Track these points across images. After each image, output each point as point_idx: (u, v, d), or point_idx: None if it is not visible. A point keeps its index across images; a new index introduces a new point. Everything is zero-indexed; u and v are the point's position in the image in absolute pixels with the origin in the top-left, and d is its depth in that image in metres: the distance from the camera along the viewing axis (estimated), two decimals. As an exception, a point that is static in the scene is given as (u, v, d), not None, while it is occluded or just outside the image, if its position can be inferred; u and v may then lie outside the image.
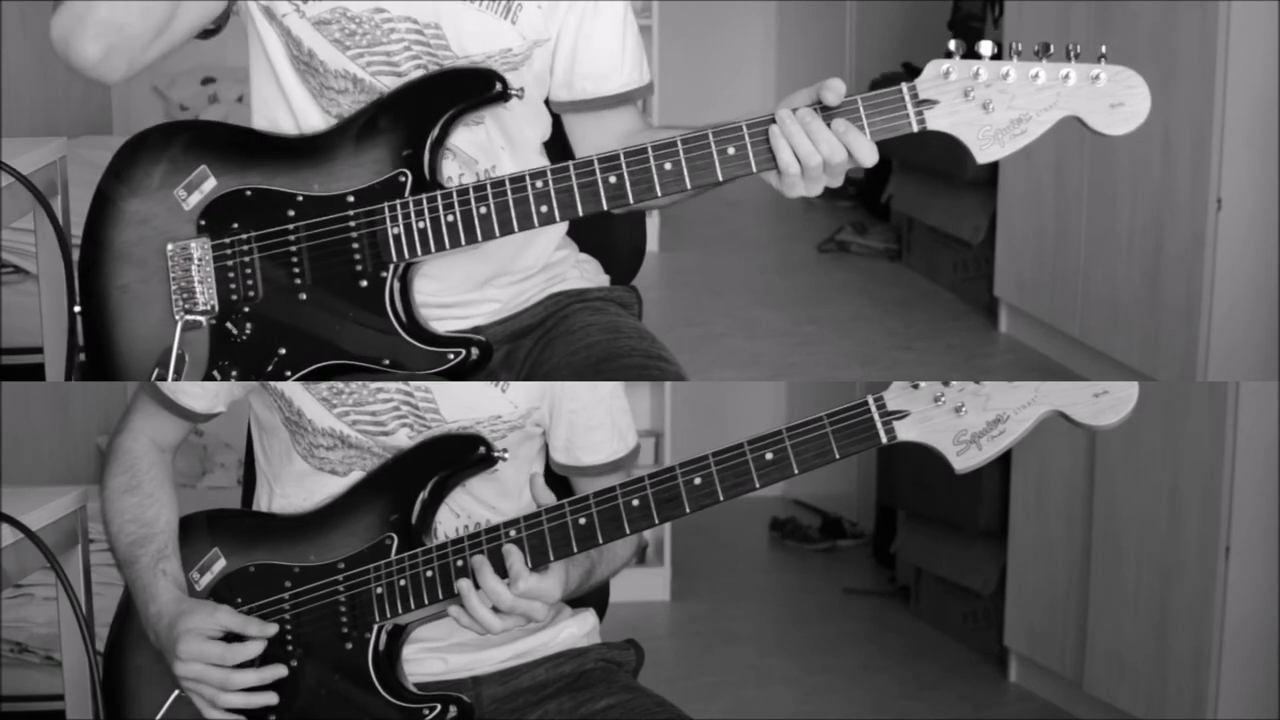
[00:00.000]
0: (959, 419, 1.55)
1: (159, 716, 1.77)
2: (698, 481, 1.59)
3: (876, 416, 1.56)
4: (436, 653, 1.79)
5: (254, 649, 1.72)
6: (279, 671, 1.72)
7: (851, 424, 1.57)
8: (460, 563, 1.67)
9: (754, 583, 4.89)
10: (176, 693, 1.75)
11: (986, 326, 4.54)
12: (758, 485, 1.58)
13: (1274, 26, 3.30)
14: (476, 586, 1.65)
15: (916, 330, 4.55)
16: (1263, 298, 3.40)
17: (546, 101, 1.85)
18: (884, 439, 1.56)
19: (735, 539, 5.20)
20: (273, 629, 1.73)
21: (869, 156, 1.64)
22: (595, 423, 1.83)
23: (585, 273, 1.95)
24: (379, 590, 1.70)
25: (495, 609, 1.65)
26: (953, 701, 3.77)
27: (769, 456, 1.58)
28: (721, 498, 1.59)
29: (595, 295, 1.92)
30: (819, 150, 1.63)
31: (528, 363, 1.86)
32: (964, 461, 1.56)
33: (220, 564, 1.78)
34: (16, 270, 3.10)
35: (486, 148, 1.80)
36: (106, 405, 3.95)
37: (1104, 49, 1.63)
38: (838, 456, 1.57)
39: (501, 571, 1.64)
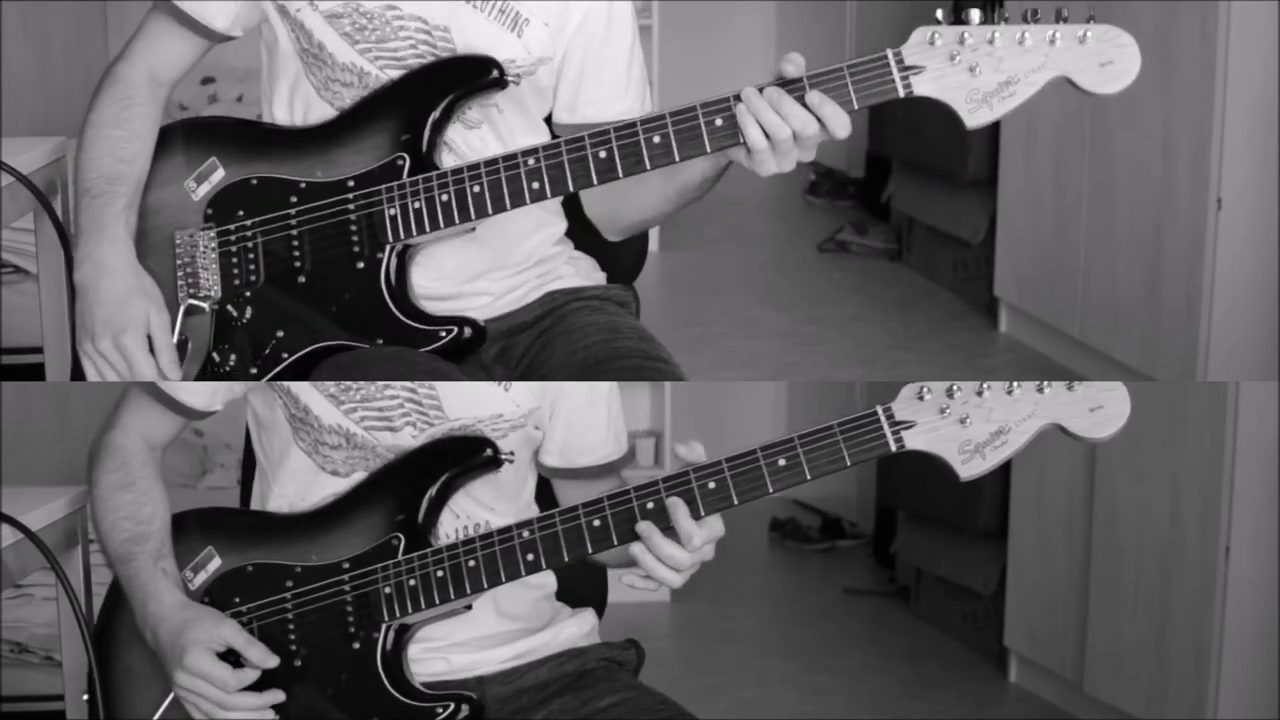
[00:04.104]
0: (964, 430, 1.58)
1: (157, 716, 1.77)
2: (712, 486, 1.62)
3: (886, 426, 1.60)
4: (439, 653, 1.79)
5: (251, 676, 1.71)
6: (277, 696, 1.72)
7: (862, 433, 1.60)
8: (472, 563, 1.67)
9: (754, 583, 4.88)
10: (173, 695, 1.74)
11: (986, 326, 4.53)
12: (770, 490, 1.62)
13: (1274, 26, 3.29)
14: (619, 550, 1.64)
15: (916, 330, 4.54)
16: (1263, 298, 3.40)
17: (547, 119, 1.87)
18: (893, 448, 1.60)
19: (735, 539, 5.13)
20: (274, 661, 1.72)
21: (842, 127, 1.64)
22: (592, 423, 1.83)
23: (580, 269, 1.95)
24: (387, 590, 1.70)
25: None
26: (953, 701, 3.77)
27: (782, 462, 1.61)
28: (735, 501, 1.62)
29: (592, 294, 1.92)
30: (789, 124, 1.64)
31: (524, 360, 1.86)
32: (969, 470, 1.59)
33: (215, 563, 1.77)
34: (16, 270, 3.09)
35: (482, 151, 1.81)
36: (106, 405, 3.93)
37: (1092, 15, 1.61)
38: (849, 464, 1.60)
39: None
